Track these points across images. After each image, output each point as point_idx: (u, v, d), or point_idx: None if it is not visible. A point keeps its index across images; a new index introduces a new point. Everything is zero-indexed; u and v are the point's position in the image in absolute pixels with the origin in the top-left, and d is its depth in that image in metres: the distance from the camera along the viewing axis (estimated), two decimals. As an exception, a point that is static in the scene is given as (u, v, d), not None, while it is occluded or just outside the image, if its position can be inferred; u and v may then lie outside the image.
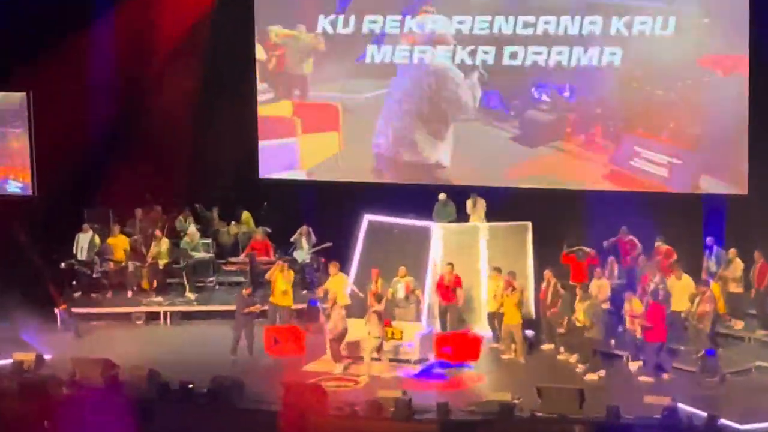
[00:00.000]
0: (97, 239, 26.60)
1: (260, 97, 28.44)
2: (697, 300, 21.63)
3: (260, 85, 28.48)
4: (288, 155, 28.60)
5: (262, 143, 28.67)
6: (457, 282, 23.39)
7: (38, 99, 27.89)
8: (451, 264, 23.50)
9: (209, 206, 28.67)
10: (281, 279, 23.61)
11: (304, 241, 26.49)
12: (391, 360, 22.22)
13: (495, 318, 23.24)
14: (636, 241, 24.18)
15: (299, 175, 28.62)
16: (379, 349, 21.82)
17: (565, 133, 26.36)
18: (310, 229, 26.50)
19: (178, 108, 27.57)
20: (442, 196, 25.65)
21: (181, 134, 27.69)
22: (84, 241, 26.43)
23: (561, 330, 22.39)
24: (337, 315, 22.14)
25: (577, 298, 21.90)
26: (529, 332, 23.22)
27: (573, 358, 22.20)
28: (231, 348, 22.70)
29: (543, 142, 26.59)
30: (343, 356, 22.08)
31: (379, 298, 22.34)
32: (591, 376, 21.31)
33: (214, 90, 27.96)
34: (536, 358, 22.77)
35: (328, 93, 28.11)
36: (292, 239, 26.64)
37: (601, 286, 22.63)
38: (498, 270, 23.26)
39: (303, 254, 26.42)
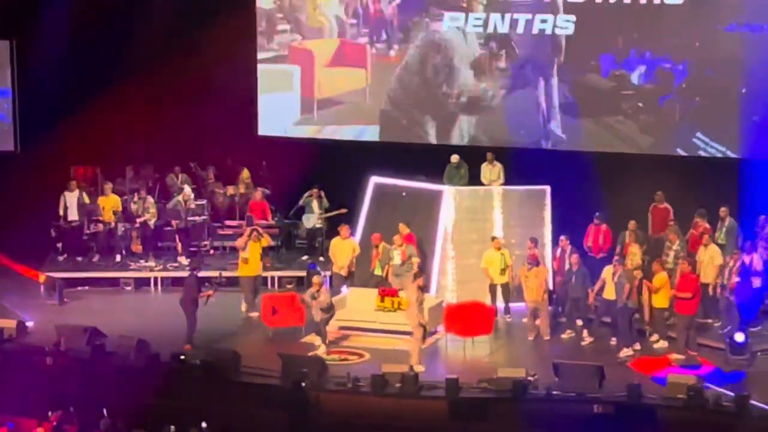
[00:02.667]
0: (86, 197, 26.52)
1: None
2: (728, 270, 21.59)
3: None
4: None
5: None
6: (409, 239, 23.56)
7: (22, 49, 27.83)
8: (405, 222, 23.73)
9: (204, 165, 28.58)
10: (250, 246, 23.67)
11: (315, 205, 26.32)
12: (395, 332, 22.20)
13: (498, 290, 23.29)
14: (670, 209, 24.02)
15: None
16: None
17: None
18: (322, 192, 26.37)
19: (172, 61, 27.42)
20: (454, 158, 25.48)
21: (175, 88, 27.54)
22: (71, 200, 26.35)
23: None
24: (323, 298, 21.66)
25: (613, 269, 21.79)
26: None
27: (585, 333, 22.20)
28: (189, 336, 21.67)
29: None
30: (328, 333, 21.82)
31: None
32: (626, 352, 21.24)
33: (211, 39, 27.75)
34: (554, 332, 22.65)
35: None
36: (301, 202, 26.50)
37: (633, 254, 22.55)
38: (496, 239, 23.27)
39: (313, 219, 26.27)
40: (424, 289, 21.30)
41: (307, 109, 28.39)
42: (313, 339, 21.75)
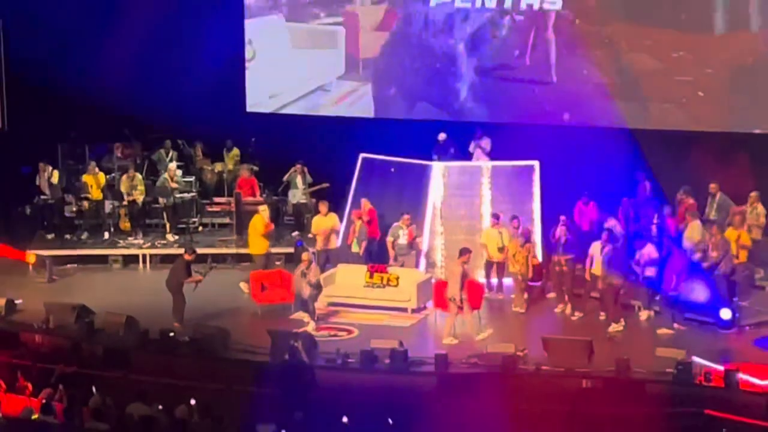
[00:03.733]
0: (56, 175, 26.33)
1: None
2: (711, 245, 21.62)
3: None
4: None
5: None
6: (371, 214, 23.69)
7: (10, 27, 27.69)
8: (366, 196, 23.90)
9: (192, 142, 28.48)
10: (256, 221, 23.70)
11: (298, 180, 26.31)
12: (385, 308, 22.17)
13: (494, 267, 23.23)
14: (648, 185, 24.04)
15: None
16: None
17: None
18: (305, 168, 26.31)
19: (158, 36, 27.29)
20: (441, 135, 25.38)
21: (161, 65, 27.42)
22: (44, 180, 26.20)
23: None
24: (314, 274, 21.65)
25: (601, 244, 21.73)
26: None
27: (568, 308, 22.19)
28: (178, 315, 21.44)
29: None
30: (317, 310, 21.81)
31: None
32: (616, 327, 21.21)
33: (197, 13, 27.59)
34: (543, 307, 22.66)
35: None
36: (285, 178, 26.45)
37: (614, 226, 22.59)
38: (497, 217, 23.19)
39: (298, 194, 26.25)
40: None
41: (352, 67, 28.36)
42: (302, 315, 21.70)
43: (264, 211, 23.83)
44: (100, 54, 26.90)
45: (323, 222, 23.73)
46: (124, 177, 26.50)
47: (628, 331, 21.17)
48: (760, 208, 22.93)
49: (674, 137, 24.82)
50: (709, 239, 21.70)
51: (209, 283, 22.34)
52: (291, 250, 24.74)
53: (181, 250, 22.75)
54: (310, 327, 21.24)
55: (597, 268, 21.64)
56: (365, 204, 23.88)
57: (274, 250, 25.15)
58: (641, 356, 19.31)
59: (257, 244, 23.65)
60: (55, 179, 26.23)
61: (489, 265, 23.24)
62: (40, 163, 26.40)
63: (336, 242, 23.89)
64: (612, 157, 24.32)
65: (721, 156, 23.77)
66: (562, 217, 22.76)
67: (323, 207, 23.84)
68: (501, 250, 22.92)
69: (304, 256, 21.76)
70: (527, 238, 22.43)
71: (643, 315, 21.70)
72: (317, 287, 21.56)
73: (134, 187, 26.32)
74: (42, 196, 26.22)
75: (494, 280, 23.28)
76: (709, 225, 22.16)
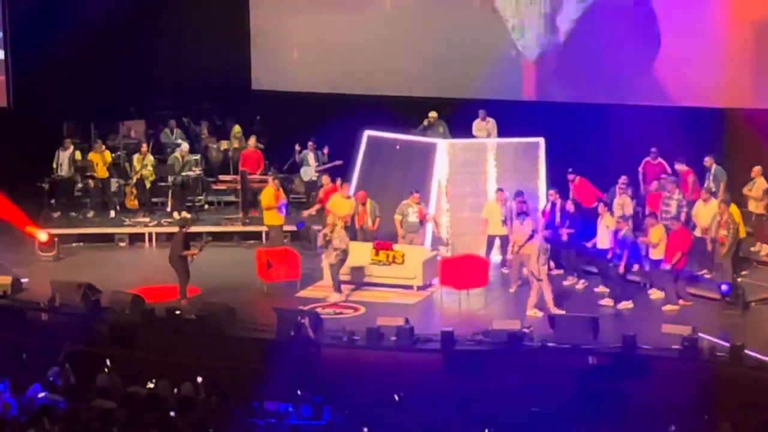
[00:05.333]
0: (78, 155, 26.37)
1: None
2: (715, 223, 21.54)
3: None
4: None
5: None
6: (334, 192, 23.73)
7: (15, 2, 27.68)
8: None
9: (198, 120, 28.42)
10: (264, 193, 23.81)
11: (311, 157, 26.22)
12: (390, 286, 22.15)
13: (497, 242, 23.20)
14: (666, 165, 23.89)
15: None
16: None
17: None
18: (316, 145, 26.26)
19: (164, 15, 27.23)
20: (432, 114, 25.21)
21: (168, 42, 27.38)
22: (64, 157, 26.18)
23: None
24: (338, 238, 21.75)
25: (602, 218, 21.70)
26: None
27: (581, 285, 22.15)
28: (180, 292, 21.46)
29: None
30: (342, 283, 21.89)
31: None
32: (626, 304, 21.14)
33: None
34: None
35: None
36: (297, 157, 26.39)
37: (624, 204, 22.50)
38: (502, 190, 23.19)
39: (310, 172, 26.16)
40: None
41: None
42: (311, 293, 21.66)
43: (273, 182, 23.82)
44: (105, 32, 26.86)
45: (343, 204, 23.43)
46: (137, 155, 26.44)
47: (634, 308, 21.13)
48: (761, 180, 22.90)
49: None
50: (719, 217, 21.64)
51: (215, 261, 22.33)
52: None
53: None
54: (333, 298, 21.22)
55: (603, 243, 21.59)
56: (330, 182, 24.02)
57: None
58: (647, 332, 19.26)
59: (271, 215, 23.66)
60: (78, 157, 26.22)
61: (491, 239, 23.15)
62: (67, 139, 26.36)
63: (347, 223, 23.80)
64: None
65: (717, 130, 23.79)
66: (551, 192, 22.73)
67: (345, 189, 23.67)
68: (504, 223, 22.88)
69: (329, 219, 21.74)
70: (526, 215, 22.13)
71: (654, 295, 21.60)
72: (344, 252, 21.53)
73: (144, 166, 26.26)
74: (61, 174, 26.20)
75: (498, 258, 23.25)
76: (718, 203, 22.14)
